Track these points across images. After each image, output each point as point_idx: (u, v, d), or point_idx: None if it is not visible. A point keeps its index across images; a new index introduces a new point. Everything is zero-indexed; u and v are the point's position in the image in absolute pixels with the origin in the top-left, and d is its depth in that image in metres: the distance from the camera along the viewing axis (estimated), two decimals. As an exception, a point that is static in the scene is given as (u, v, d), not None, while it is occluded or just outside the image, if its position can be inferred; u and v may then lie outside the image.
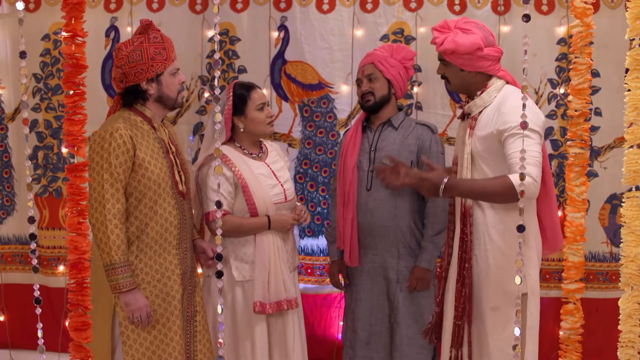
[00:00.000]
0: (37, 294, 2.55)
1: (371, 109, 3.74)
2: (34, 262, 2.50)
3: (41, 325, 2.55)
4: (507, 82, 3.17)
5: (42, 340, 2.56)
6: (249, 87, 3.58)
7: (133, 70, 3.09)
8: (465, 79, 3.19)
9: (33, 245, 2.51)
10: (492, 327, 3.11)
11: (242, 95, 3.54)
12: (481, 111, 3.14)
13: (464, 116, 3.26)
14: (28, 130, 2.54)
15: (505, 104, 3.07)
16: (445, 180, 2.91)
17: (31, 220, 2.50)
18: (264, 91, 3.71)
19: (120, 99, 3.21)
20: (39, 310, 2.54)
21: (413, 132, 3.70)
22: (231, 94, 3.54)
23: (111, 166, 3.01)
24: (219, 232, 2.36)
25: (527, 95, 2.46)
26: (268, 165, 3.58)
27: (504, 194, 2.90)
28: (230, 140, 3.59)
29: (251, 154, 3.58)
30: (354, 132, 3.82)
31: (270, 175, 3.56)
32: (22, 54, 2.48)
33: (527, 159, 2.92)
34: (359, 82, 3.79)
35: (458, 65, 3.16)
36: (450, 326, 3.24)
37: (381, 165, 2.96)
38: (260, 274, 3.44)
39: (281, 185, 3.57)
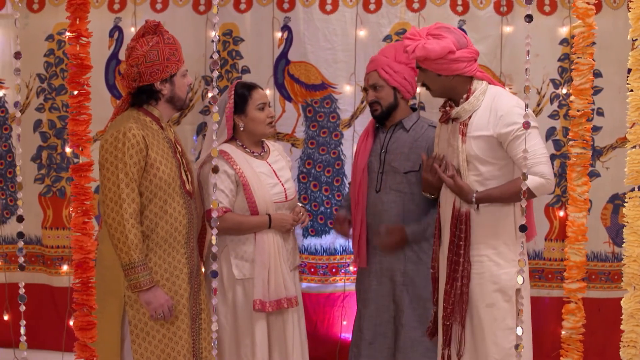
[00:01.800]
0: (22, 291, 2.57)
1: (380, 117, 3.74)
2: (21, 260, 2.53)
3: (24, 322, 2.57)
4: (489, 83, 3.20)
5: (25, 337, 2.58)
6: (251, 87, 3.60)
7: (149, 70, 3.12)
8: (444, 83, 3.22)
9: (20, 244, 2.54)
10: (489, 324, 3.14)
11: (243, 94, 3.55)
12: (470, 115, 3.16)
13: (447, 120, 3.27)
14: (20, 130, 2.58)
15: (500, 107, 3.11)
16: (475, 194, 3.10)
17: (20, 219, 2.54)
18: (267, 91, 3.73)
19: (130, 99, 3.23)
20: (22, 308, 2.56)
21: (424, 134, 3.69)
22: (232, 93, 3.56)
23: (126, 166, 3.03)
24: (214, 231, 2.39)
25: (526, 94, 2.48)
26: (269, 164, 3.59)
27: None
28: (233, 139, 3.61)
29: (253, 152, 3.59)
30: (366, 134, 3.83)
31: (271, 174, 3.57)
32: (17, 55, 2.51)
33: (537, 158, 3.04)
34: (365, 90, 3.80)
35: (434, 70, 3.19)
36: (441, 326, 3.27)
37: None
38: (260, 272, 3.45)
39: (282, 184, 3.58)
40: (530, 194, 3.00)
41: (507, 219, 3.16)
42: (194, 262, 3.28)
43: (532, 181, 2.99)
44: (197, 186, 3.49)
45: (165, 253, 3.16)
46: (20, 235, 2.56)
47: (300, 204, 3.71)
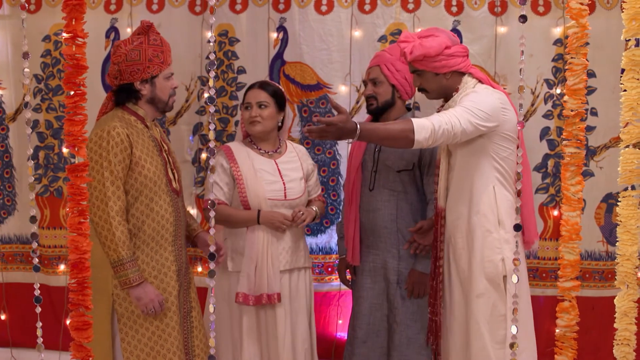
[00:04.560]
0: (37, 292, 2.58)
1: (374, 112, 3.76)
2: (35, 261, 2.54)
3: (41, 324, 2.59)
4: (480, 81, 3.22)
5: (42, 339, 2.60)
6: (250, 87, 3.70)
7: (129, 69, 3.15)
8: (442, 83, 3.26)
9: (34, 245, 2.55)
10: (481, 313, 3.17)
11: (245, 92, 3.69)
12: None
13: None
14: (30, 131, 2.57)
15: (469, 94, 3.15)
16: (359, 126, 3.00)
17: (33, 220, 2.54)
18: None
19: (113, 96, 3.25)
20: (39, 309, 2.58)
21: None
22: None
23: (111, 164, 3.06)
24: (211, 231, 2.41)
25: (520, 94, 2.50)
26: (276, 164, 3.64)
27: (402, 138, 3.01)
28: (248, 135, 3.72)
29: (260, 149, 3.66)
30: None
31: (273, 172, 3.61)
32: (25, 55, 2.51)
33: (442, 114, 3.06)
34: (365, 84, 3.82)
35: (431, 70, 3.23)
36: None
37: (312, 126, 3.10)
38: (246, 266, 3.51)
39: (283, 183, 3.60)
40: (407, 135, 2.99)
41: (486, 207, 3.19)
42: (182, 259, 3.30)
43: (418, 123, 3.01)
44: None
45: (153, 251, 3.19)
46: (34, 236, 2.57)
47: (314, 208, 3.69)
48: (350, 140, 3.05)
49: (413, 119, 3.02)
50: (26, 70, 2.49)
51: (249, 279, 3.50)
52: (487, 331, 3.17)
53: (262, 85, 3.69)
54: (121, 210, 3.08)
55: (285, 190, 3.60)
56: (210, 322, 2.49)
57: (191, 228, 3.49)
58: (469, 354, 3.23)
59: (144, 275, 3.15)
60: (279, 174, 3.62)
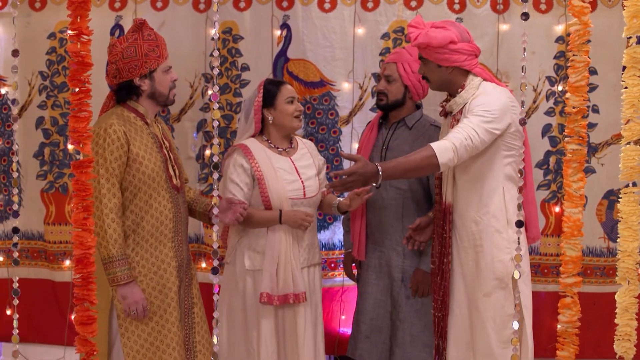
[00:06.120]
0: (16, 285, 2.63)
1: (384, 108, 3.78)
2: (15, 254, 2.59)
3: (17, 316, 2.64)
4: (485, 79, 3.24)
5: (17, 331, 2.66)
6: (280, 82, 3.69)
7: (127, 66, 3.17)
8: (444, 75, 3.26)
9: (15, 239, 2.60)
10: (488, 312, 3.19)
11: (272, 88, 3.63)
12: (461, 109, 3.21)
13: (446, 114, 3.35)
14: (17, 127, 2.61)
15: (478, 96, 3.16)
16: (380, 167, 3.00)
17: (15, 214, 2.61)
18: None
19: (114, 95, 3.28)
20: (16, 302, 2.62)
21: (425, 133, 3.72)
22: (262, 88, 3.64)
23: (106, 161, 3.09)
24: (215, 228, 2.43)
25: (522, 92, 2.51)
26: (292, 161, 3.64)
27: (426, 165, 3.03)
28: (260, 133, 3.67)
29: (277, 147, 3.65)
30: (370, 129, 3.87)
31: (291, 171, 3.60)
32: (15, 53, 2.56)
33: (460, 129, 3.05)
34: (378, 77, 3.83)
35: (434, 60, 3.24)
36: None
37: (334, 182, 3.11)
38: (268, 266, 3.49)
39: (301, 181, 3.60)
40: (431, 161, 3.01)
41: (496, 207, 3.20)
42: (183, 255, 3.32)
43: (438, 145, 3.03)
44: (184, 181, 3.55)
45: (152, 247, 3.21)
46: (16, 230, 2.62)
47: (340, 198, 3.70)
48: (375, 184, 3.06)
49: (432, 144, 3.03)
50: (15, 66, 2.53)
51: (271, 278, 3.48)
52: (493, 330, 3.18)
53: (286, 82, 3.74)
54: (115, 207, 3.10)
55: (304, 188, 3.60)
56: (215, 319, 2.52)
57: (205, 204, 3.50)
58: (474, 353, 3.24)
59: (144, 272, 3.17)
60: (297, 173, 3.61)
